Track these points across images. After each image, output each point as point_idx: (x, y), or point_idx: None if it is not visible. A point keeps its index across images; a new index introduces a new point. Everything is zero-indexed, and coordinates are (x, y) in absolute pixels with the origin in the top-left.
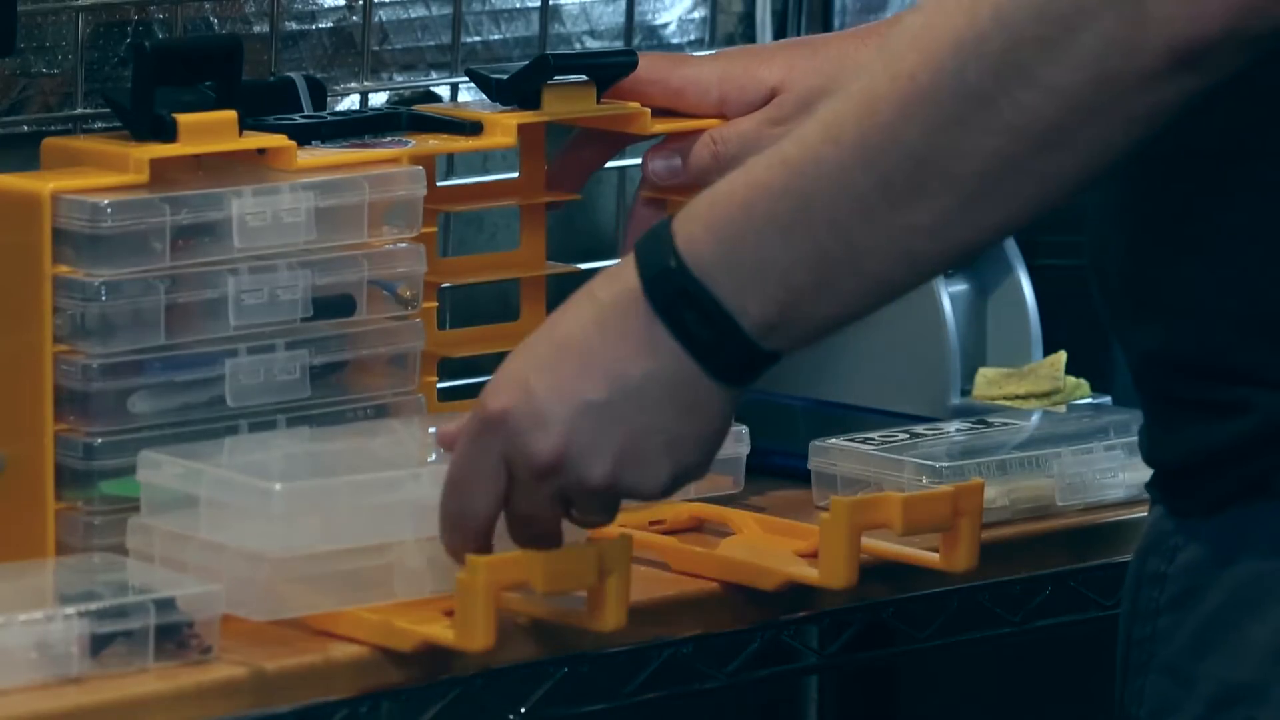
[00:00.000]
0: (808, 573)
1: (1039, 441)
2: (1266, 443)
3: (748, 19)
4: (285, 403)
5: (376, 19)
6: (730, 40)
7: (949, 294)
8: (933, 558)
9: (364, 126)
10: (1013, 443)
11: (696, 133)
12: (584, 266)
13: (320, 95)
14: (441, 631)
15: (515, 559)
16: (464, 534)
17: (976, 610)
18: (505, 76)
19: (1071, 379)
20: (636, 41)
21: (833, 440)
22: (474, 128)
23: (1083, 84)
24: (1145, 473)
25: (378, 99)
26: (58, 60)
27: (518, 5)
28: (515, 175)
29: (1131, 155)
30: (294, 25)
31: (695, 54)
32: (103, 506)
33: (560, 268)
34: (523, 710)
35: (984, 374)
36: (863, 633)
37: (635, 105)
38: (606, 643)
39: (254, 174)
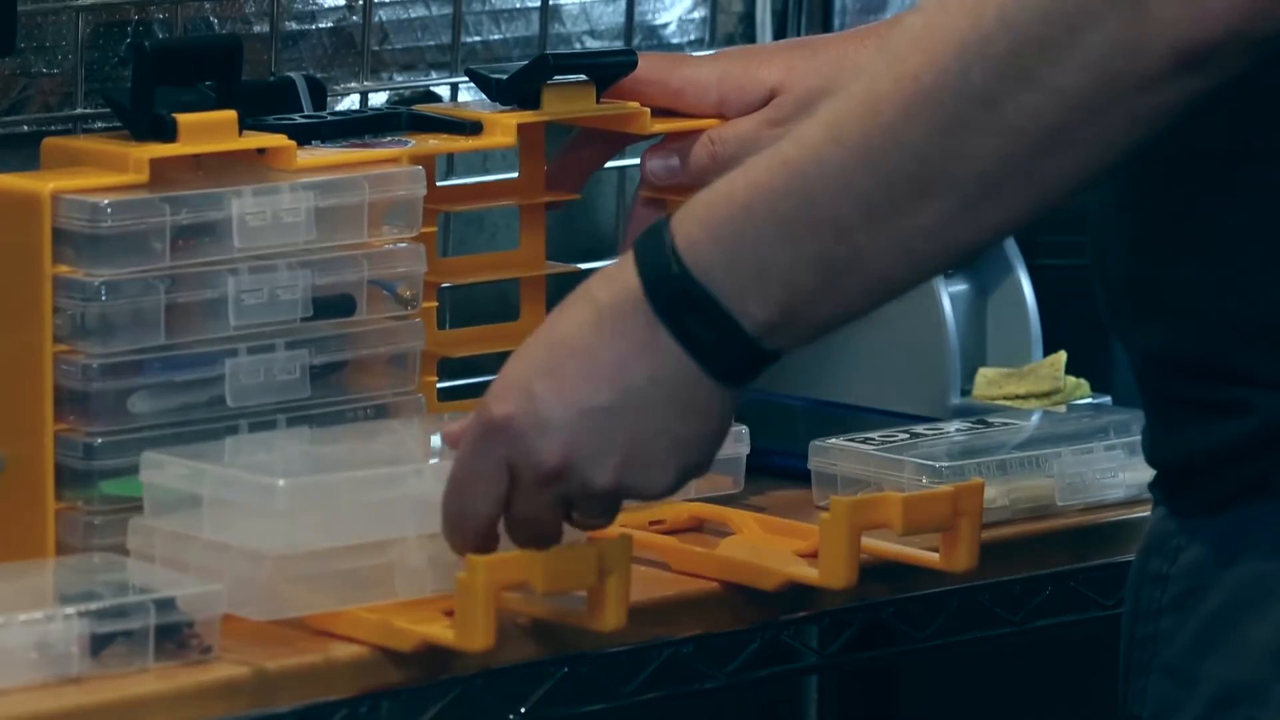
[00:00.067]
0: (808, 573)
1: (1039, 441)
2: (1267, 443)
3: (748, 19)
4: (285, 403)
5: (376, 19)
6: (730, 40)
7: (949, 294)
8: (933, 558)
9: (364, 126)
10: (1013, 443)
11: (695, 133)
12: (584, 266)
13: (320, 95)
14: (441, 631)
15: (515, 559)
16: (465, 535)
17: (976, 610)
18: (505, 76)
19: (1071, 379)
20: (636, 41)
21: (833, 440)
22: (474, 128)
23: (1086, 85)
24: (1145, 473)
25: (378, 99)
26: (58, 60)
27: (518, 5)
28: (515, 175)
29: (1132, 156)
30: (294, 25)
31: (695, 54)
32: (103, 506)
33: (560, 268)
34: (523, 710)
35: (984, 374)
36: (863, 633)
37: (635, 105)
38: (606, 643)
39: (254, 174)
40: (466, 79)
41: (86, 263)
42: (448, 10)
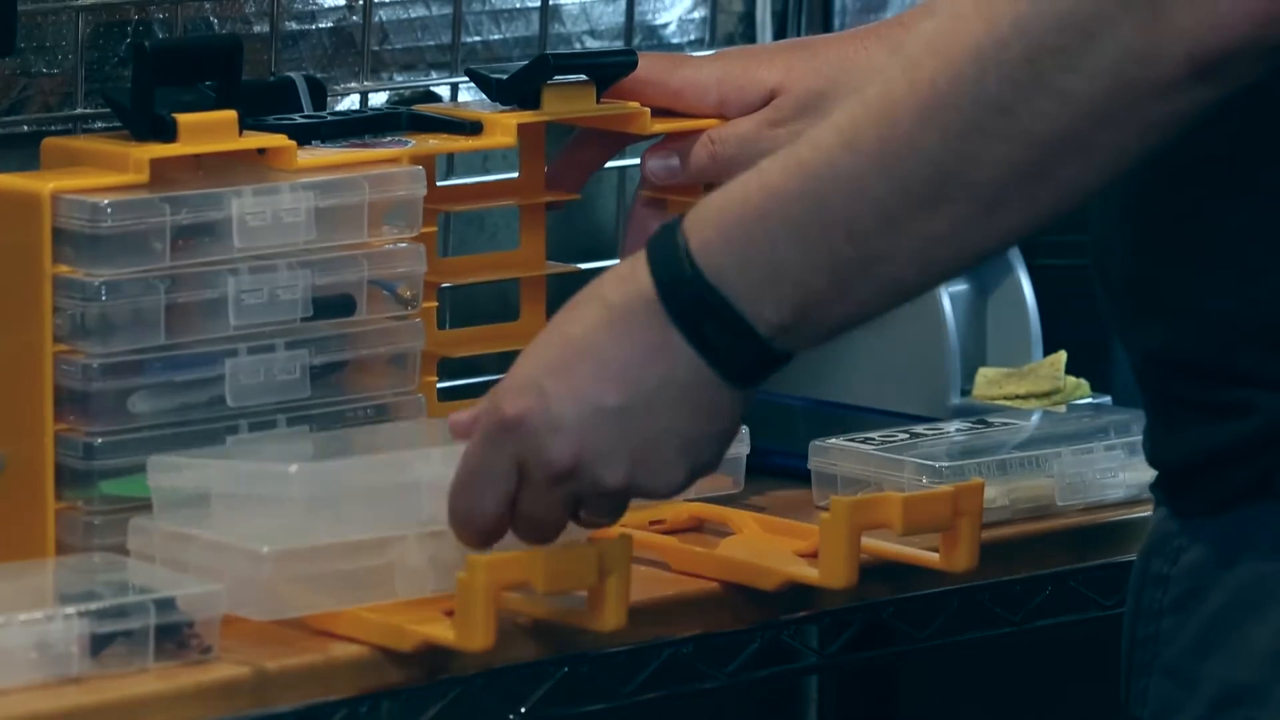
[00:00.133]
0: (808, 573)
1: (1039, 441)
2: (1268, 444)
3: (748, 19)
4: (285, 403)
5: (376, 19)
6: (730, 40)
7: (949, 294)
8: (933, 558)
9: (364, 126)
10: (1013, 443)
11: (695, 133)
12: (584, 266)
13: (320, 95)
14: (441, 631)
15: (515, 559)
16: (472, 531)
17: (976, 610)
18: (505, 76)
19: (1071, 379)
20: (636, 41)
21: (833, 440)
22: (474, 128)
23: (1101, 92)
24: (1145, 473)
25: (378, 99)
26: (58, 60)
27: (518, 5)
28: (515, 175)
29: (1146, 162)
30: (294, 25)
31: (695, 54)
32: (103, 506)
33: (560, 268)
34: (523, 710)
35: (984, 374)
36: (863, 633)
37: (635, 105)
38: (606, 643)
39: (254, 174)
40: (466, 79)
41: (86, 263)
42: (448, 10)
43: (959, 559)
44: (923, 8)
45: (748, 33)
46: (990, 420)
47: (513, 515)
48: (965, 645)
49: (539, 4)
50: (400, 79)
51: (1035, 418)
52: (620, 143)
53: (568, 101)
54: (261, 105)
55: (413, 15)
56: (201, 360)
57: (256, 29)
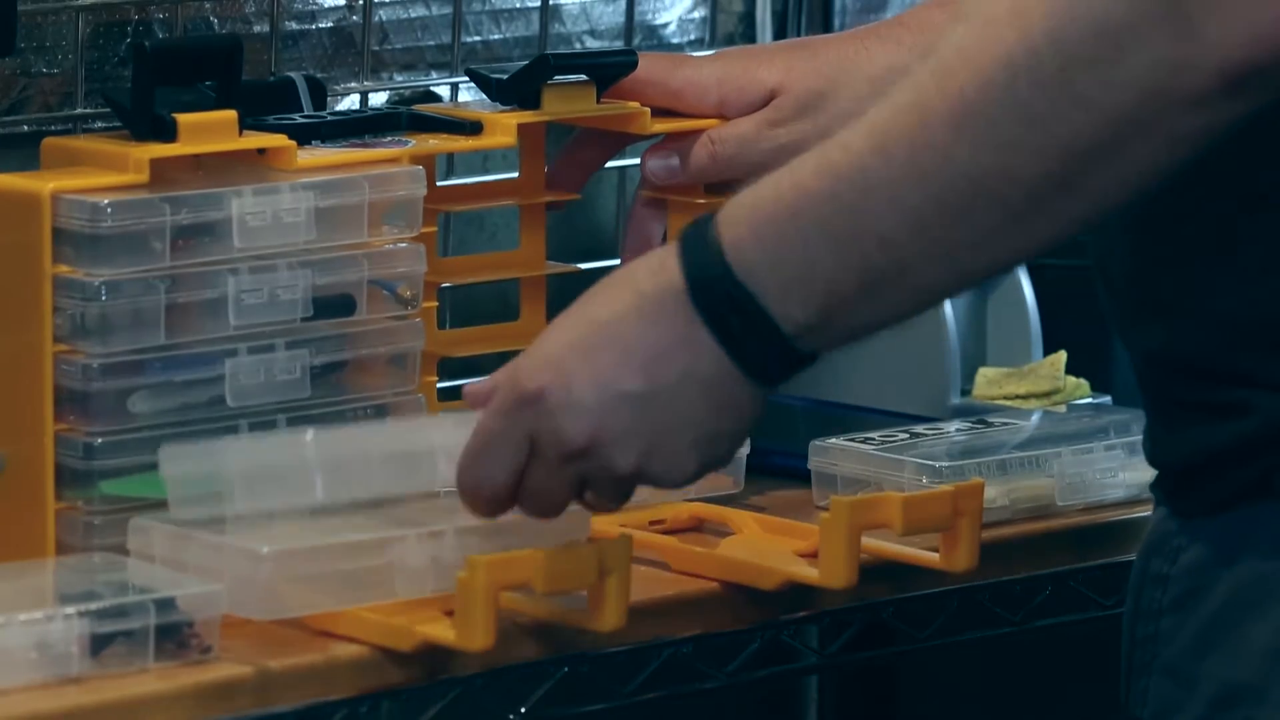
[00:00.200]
0: (808, 572)
1: (1039, 441)
2: (1268, 444)
3: (748, 19)
4: (285, 403)
5: (376, 19)
6: (730, 40)
7: None
8: (933, 558)
9: (364, 126)
10: (1013, 443)
11: (695, 133)
12: (584, 266)
13: (320, 95)
14: (441, 631)
15: (515, 559)
16: (479, 500)
17: (976, 610)
18: (505, 76)
19: (1071, 379)
20: (636, 41)
21: (833, 440)
22: (474, 128)
23: (1132, 104)
24: (1145, 473)
25: (378, 99)
26: (58, 60)
27: (518, 5)
28: (515, 175)
29: (1177, 173)
30: (294, 25)
31: (695, 54)
32: (103, 506)
33: (560, 268)
34: (523, 710)
35: (984, 374)
36: (863, 633)
37: (635, 105)
38: (606, 643)
39: (254, 174)
40: (466, 79)
41: (86, 263)
42: (448, 10)
43: (959, 559)
44: (925, 7)
45: (748, 33)
46: (990, 420)
47: (519, 487)
48: (965, 645)
49: (539, 4)
50: (400, 79)
51: (1035, 418)
52: (620, 143)
53: (568, 101)
54: (261, 105)
55: (413, 15)
56: (201, 360)
57: (256, 29)
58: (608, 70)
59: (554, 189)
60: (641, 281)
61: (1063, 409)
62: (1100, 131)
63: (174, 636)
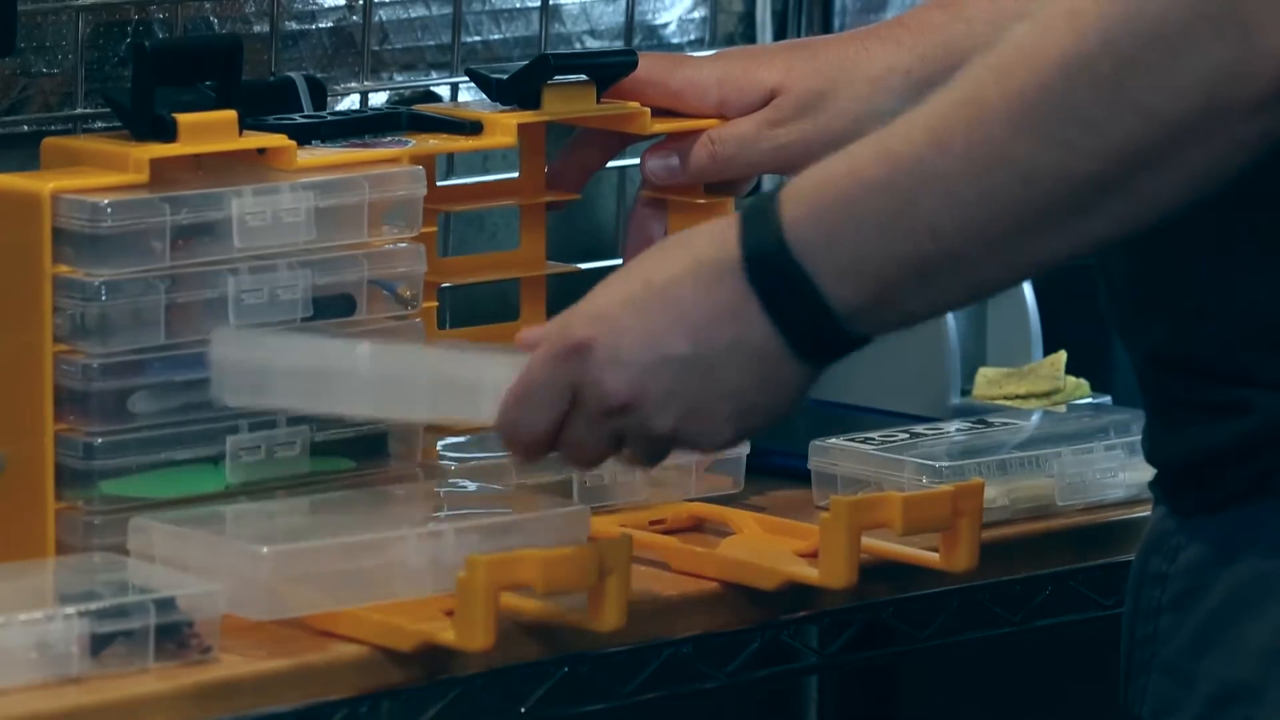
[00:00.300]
0: (808, 572)
1: (1039, 441)
2: (1267, 443)
3: (748, 19)
4: None
5: (376, 19)
6: (730, 40)
7: None
8: (933, 557)
9: (364, 126)
10: (1013, 443)
11: (695, 133)
12: (584, 266)
13: (320, 95)
14: (441, 631)
15: (515, 559)
16: (518, 444)
17: (976, 610)
18: (505, 76)
19: (1071, 379)
20: (636, 41)
21: (833, 440)
22: (474, 128)
23: (1188, 109)
24: (1145, 472)
25: (378, 99)
26: (58, 60)
27: (518, 5)
28: (515, 175)
29: (1236, 178)
30: (294, 25)
31: (695, 54)
32: (103, 506)
33: (560, 268)
34: (523, 710)
35: (984, 374)
36: (863, 633)
37: (635, 105)
38: (606, 643)
39: (254, 174)
40: (466, 79)
41: (86, 263)
42: (448, 10)
43: (959, 559)
44: (925, 8)
45: (748, 33)
46: (990, 420)
47: (559, 436)
48: (965, 645)
49: (539, 4)
50: (400, 79)
51: (1035, 418)
52: (620, 143)
53: (568, 101)
54: (261, 105)
55: (413, 15)
56: (202, 360)
57: (256, 29)
58: (608, 70)
59: (554, 189)
60: (700, 248)
61: (1063, 409)
62: (1154, 136)
63: (174, 636)
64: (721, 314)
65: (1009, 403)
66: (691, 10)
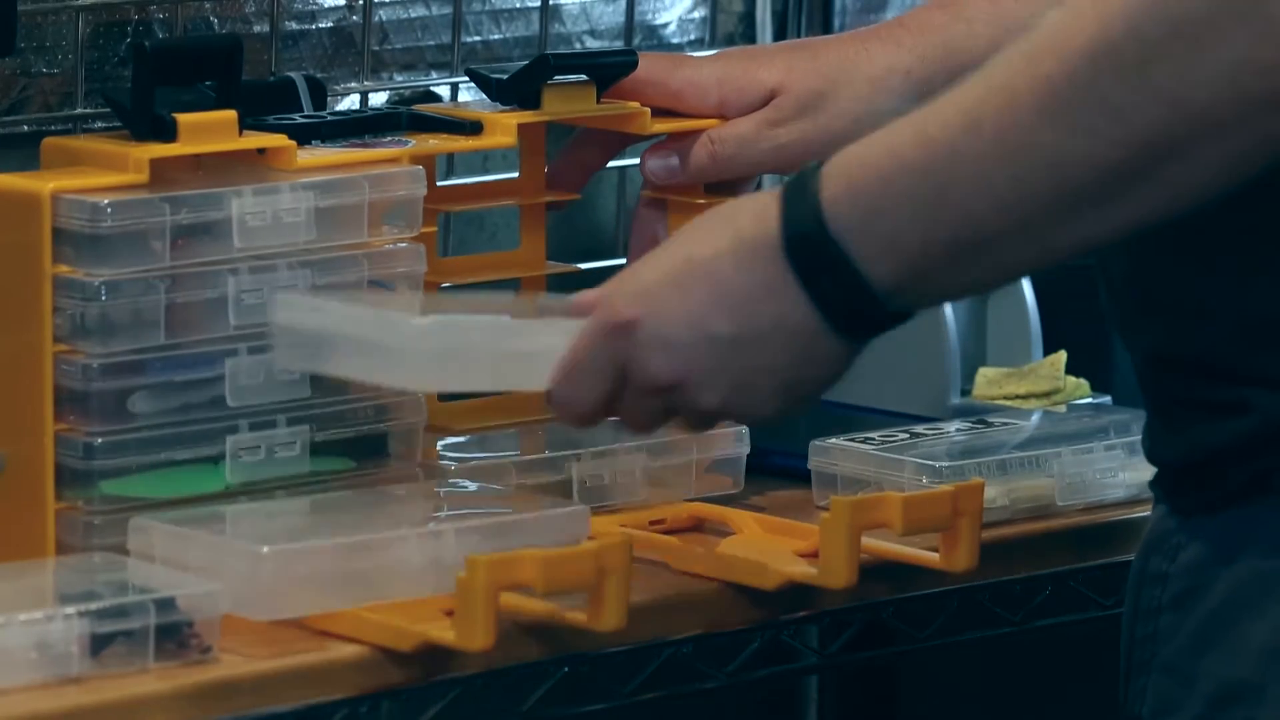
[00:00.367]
0: (808, 572)
1: (1039, 441)
2: (1267, 442)
3: (748, 19)
4: (285, 403)
5: (376, 19)
6: (730, 40)
7: None
8: (933, 557)
9: (364, 126)
10: (1013, 443)
11: (695, 133)
12: (584, 266)
13: (320, 95)
14: (441, 631)
15: (515, 559)
16: (569, 417)
17: (976, 610)
18: (505, 76)
19: (1071, 379)
20: (636, 41)
21: (833, 440)
22: (474, 128)
23: (1213, 101)
24: (1145, 472)
25: (378, 99)
26: (58, 60)
27: (518, 5)
28: (515, 175)
29: (1272, 166)
30: (294, 25)
31: (695, 54)
32: (103, 506)
33: (560, 268)
34: (523, 710)
35: (984, 374)
36: (863, 632)
37: (635, 105)
38: (606, 643)
39: (254, 174)
40: (466, 79)
41: (86, 263)
42: (448, 10)
43: (959, 559)
44: (925, 8)
45: (748, 33)
46: (990, 420)
47: (613, 408)
48: (965, 645)
49: (539, 4)
50: (400, 79)
51: (1035, 418)
52: (620, 143)
53: (568, 101)
54: (261, 105)
55: (413, 15)
56: (201, 360)
57: (256, 29)
58: (608, 70)
59: (554, 189)
60: (742, 225)
61: (1063, 409)
62: (1178, 126)
63: (174, 636)
64: (761, 293)
65: (1009, 403)
66: (691, 10)
